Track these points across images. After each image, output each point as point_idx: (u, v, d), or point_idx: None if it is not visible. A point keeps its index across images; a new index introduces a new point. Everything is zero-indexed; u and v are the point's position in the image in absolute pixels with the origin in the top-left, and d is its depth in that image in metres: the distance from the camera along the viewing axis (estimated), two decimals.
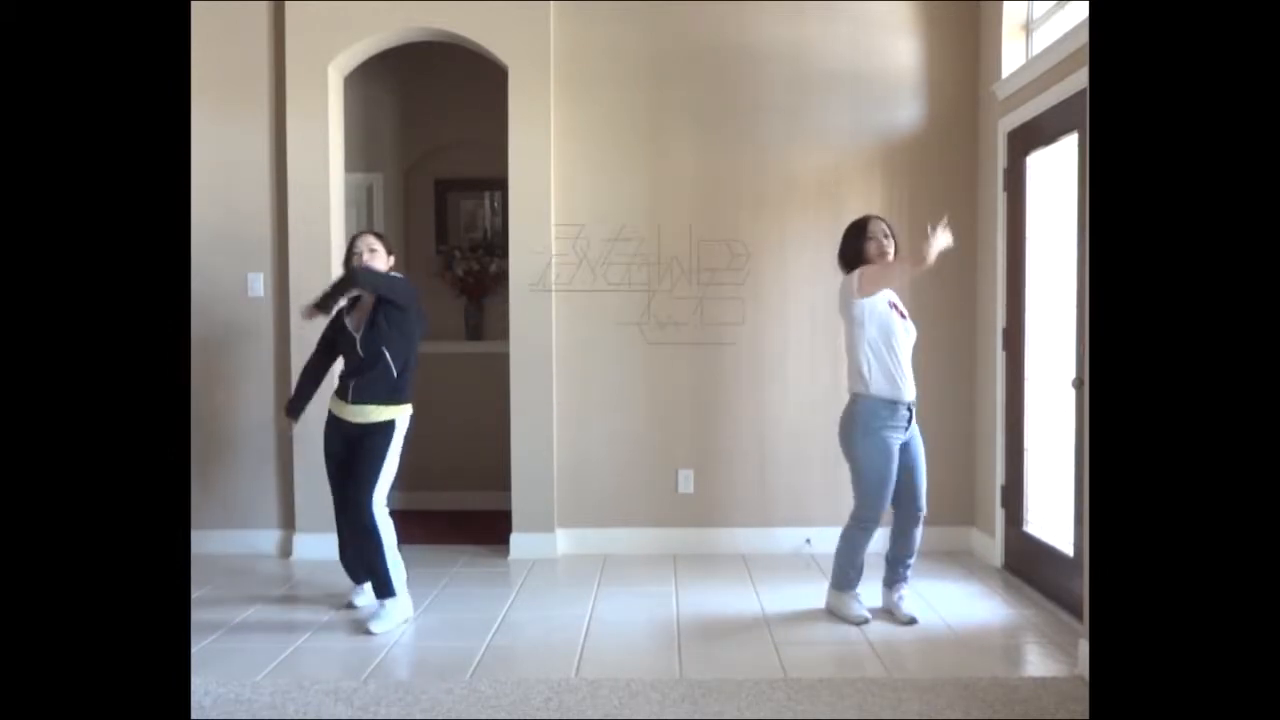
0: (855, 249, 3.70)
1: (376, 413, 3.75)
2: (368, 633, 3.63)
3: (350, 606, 3.92)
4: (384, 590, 3.72)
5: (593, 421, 4.83)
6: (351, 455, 3.77)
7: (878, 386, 3.58)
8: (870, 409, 3.60)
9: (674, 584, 4.29)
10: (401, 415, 3.80)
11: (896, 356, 3.60)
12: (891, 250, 3.67)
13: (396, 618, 3.72)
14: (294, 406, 4.00)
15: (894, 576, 3.81)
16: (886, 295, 3.63)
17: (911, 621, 3.69)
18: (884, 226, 3.70)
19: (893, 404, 3.59)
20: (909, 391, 3.62)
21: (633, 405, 4.83)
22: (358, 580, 3.95)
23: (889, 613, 3.78)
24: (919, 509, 3.73)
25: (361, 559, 3.82)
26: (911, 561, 3.80)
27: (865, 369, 3.60)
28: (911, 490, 3.71)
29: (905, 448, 3.68)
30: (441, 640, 3.58)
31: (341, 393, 3.81)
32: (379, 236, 3.92)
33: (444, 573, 4.45)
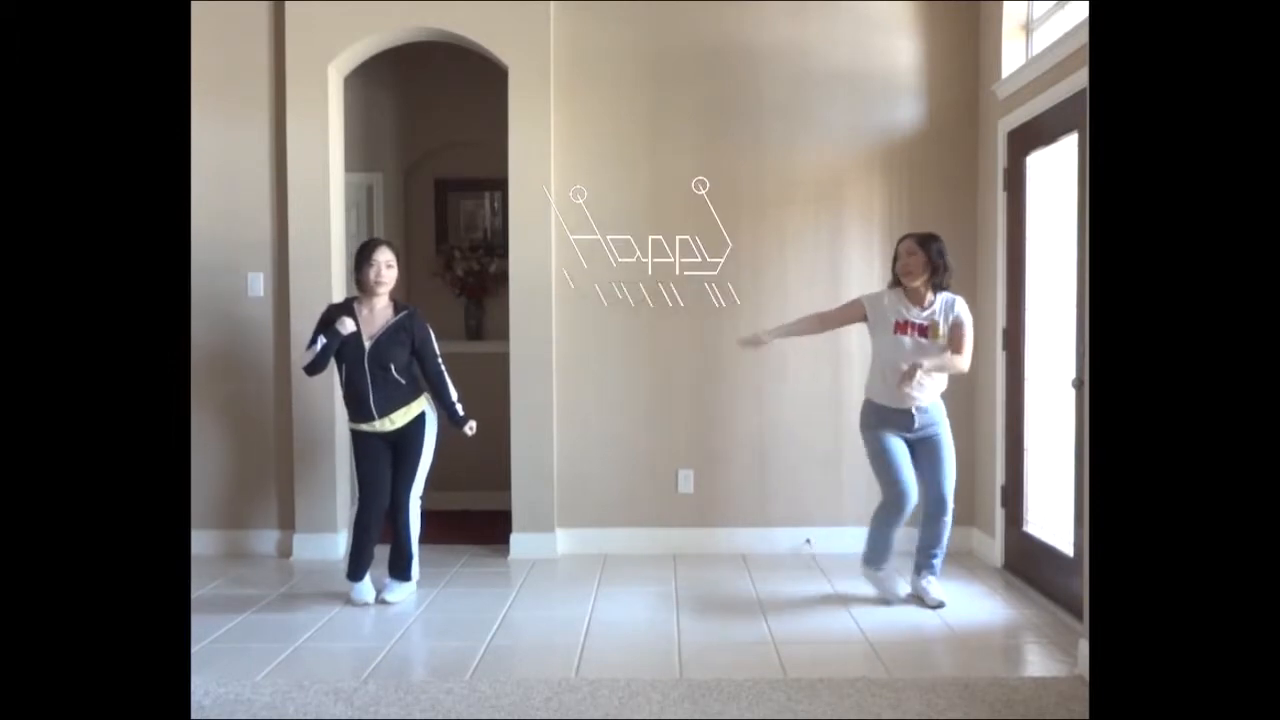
0: (895, 266, 3.96)
1: (407, 413, 3.95)
2: (383, 602, 3.95)
3: (366, 605, 3.95)
4: (404, 574, 4.02)
5: (593, 421, 4.83)
6: (397, 457, 3.99)
7: (871, 391, 3.99)
8: (864, 408, 4.02)
9: (674, 584, 4.29)
10: (425, 404, 4.03)
11: (893, 369, 3.81)
12: (916, 267, 3.83)
13: (407, 590, 4.06)
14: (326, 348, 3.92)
15: (919, 563, 4.00)
16: (899, 314, 3.86)
17: (939, 605, 3.86)
18: (908, 244, 3.88)
19: (882, 408, 3.89)
20: (905, 400, 3.83)
21: (633, 405, 4.83)
22: (361, 576, 3.97)
23: (919, 598, 3.94)
24: (939, 502, 3.90)
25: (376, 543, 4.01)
26: (938, 552, 3.96)
27: (869, 374, 4.03)
28: (930, 485, 3.90)
29: (916, 446, 3.90)
30: (441, 640, 3.58)
31: (363, 415, 3.92)
32: (392, 248, 4.03)
33: (444, 573, 4.45)
